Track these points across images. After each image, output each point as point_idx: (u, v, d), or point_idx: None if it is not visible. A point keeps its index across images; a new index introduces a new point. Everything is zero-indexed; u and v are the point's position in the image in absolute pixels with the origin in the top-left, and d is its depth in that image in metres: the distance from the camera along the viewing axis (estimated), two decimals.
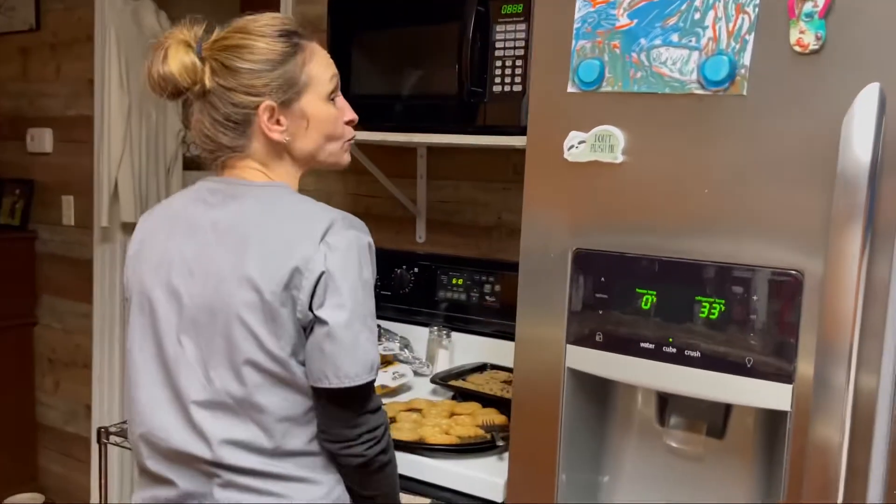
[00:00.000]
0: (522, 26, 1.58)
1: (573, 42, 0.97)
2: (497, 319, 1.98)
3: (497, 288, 1.99)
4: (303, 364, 1.05)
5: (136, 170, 2.78)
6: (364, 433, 1.05)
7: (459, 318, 2.03)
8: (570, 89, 0.98)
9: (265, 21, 1.09)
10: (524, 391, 1.06)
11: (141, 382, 1.11)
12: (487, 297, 2.00)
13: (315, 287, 1.01)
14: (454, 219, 2.15)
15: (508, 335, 1.99)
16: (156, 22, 2.82)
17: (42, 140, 3.01)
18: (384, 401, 1.68)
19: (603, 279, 0.96)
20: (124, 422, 2.04)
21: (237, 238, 1.04)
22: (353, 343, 1.02)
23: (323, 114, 1.13)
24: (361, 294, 1.04)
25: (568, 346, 0.99)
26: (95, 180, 2.83)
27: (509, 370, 1.92)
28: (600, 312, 0.97)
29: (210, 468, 1.05)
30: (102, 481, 2.17)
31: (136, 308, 1.13)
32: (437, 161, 2.16)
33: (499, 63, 1.62)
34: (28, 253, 3.06)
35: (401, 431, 1.48)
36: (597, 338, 0.97)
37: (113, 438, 1.93)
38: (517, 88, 1.60)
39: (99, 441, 1.93)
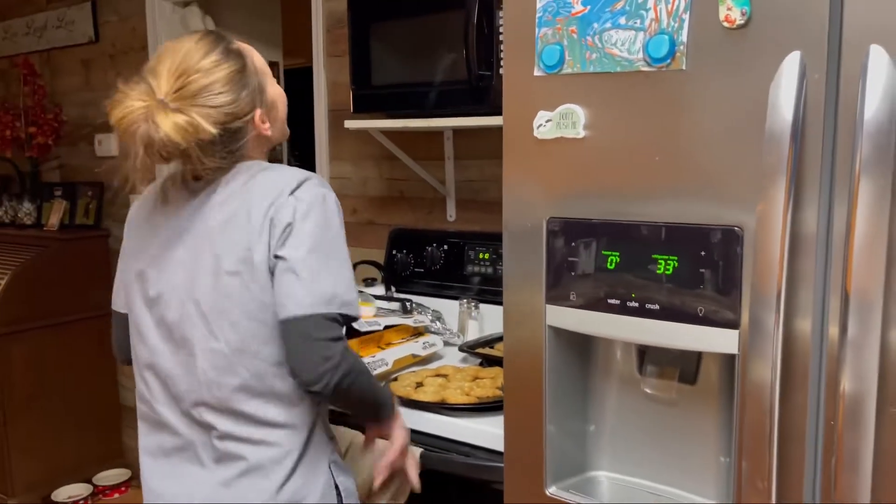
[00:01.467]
0: None
1: (536, 29, 1.06)
2: None
3: None
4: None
5: None
6: (325, 369, 1.13)
7: (488, 291, 2.14)
8: (536, 73, 1.07)
9: (201, 48, 1.18)
10: (514, 350, 1.17)
11: (145, 332, 1.27)
12: None
13: (281, 234, 1.15)
14: (481, 196, 2.26)
15: None
16: (202, 26, 3.01)
17: (108, 144, 3.26)
18: (414, 368, 1.83)
19: (573, 244, 1.06)
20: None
21: (227, 209, 1.19)
22: (310, 276, 1.14)
23: (279, 94, 1.33)
24: (322, 236, 1.17)
25: (547, 305, 1.10)
26: (159, 178, 3.05)
27: None
28: (573, 274, 1.07)
29: (210, 415, 1.20)
30: None
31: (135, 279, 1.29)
32: (463, 142, 2.27)
33: (504, 46, 1.71)
34: (103, 249, 3.33)
35: (425, 394, 1.62)
36: (571, 297, 1.07)
37: None
38: None
39: None
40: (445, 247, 2.24)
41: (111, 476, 3.33)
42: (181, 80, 1.15)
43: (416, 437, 1.56)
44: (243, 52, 1.25)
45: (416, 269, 2.28)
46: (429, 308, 2.13)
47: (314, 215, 1.18)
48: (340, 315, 1.17)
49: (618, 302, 1.03)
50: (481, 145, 2.22)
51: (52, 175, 3.55)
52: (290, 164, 3.66)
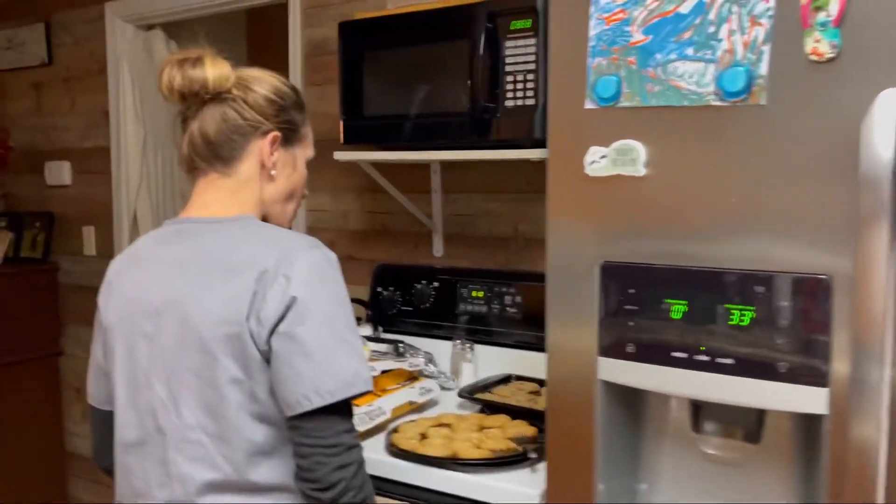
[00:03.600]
0: (532, 41, 1.60)
1: (588, 59, 0.98)
2: (519, 330, 1.99)
3: (518, 298, 2.00)
4: (272, 394, 1.02)
5: (154, 198, 2.83)
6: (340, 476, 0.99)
7: (481, 331, 2.04)
8: (587, 105, 0.99)
9: (283, 77, 1.21)
10: (558, 403, 1.07)
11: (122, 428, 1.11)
12: (508, 308, 2.01)
13: (284, 312, 1.00)
14: (470, 231, 2.17)
15: (531, 345, 2.02)
16: (166, 52, 2.87)
17: (60, 172, 3.06)
18: (413, 417, 1.70)
19: (632, 291, 0.97)
20: None
21: (201, 273, 1.04)
22: (327, 358, 1.00)
23: (302, 169, 1.24)
24: (333, 309, 1.03)
25: (599, 358, 1.01)
26: (115, 210, 2.87)
27: (534, 380, 1.94)
28: (630, 324, 0.98)
29: None
30: None
31: (115, 351, 1.12)
32: (451, 175, 2.18)
33: (510, 78, 1.64)
34: (51, 284, 3.11)
35: (433, 447, 1.50)
36: (628, 349, 0.98)
37: None
38: (529, 102, 1.62)
39: None
40: (436, 284, 2.13)
41: None
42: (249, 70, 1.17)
43: (426, 495, 1.44)
44: (306, 110, 1.24)
45: (403, 308, 2.16)
46: (420, 350, 2.01)
47: (318, 287, 1.03)
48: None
49: (684, 355, 0.94)
50: (471, 178, 2.14)
51: None
52: None
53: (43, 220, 3.10)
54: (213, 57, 1.12)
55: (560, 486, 1.08)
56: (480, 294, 2.06)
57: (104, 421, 1.18)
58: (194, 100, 1.11)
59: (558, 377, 1.06)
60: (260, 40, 3.48)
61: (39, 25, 3.05)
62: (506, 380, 1.95)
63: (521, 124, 1.64)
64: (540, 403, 1.73)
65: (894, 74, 0.80)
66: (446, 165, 2.18)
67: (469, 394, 1.81)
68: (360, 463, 1.03)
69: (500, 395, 1.83)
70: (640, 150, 0.96)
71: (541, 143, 1.64)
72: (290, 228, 1.21)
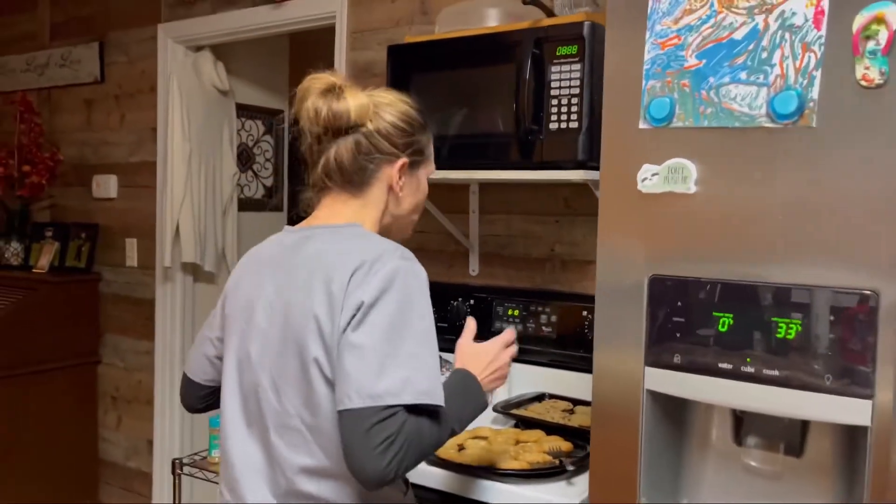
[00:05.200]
0: (577, 66, 1.66)
1: (643, 82, 1.03)
2: (553, 349, 2.02)
3: (553, 318, 2.03)
4: None
5: (195, 212, 2.91)
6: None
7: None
8: (641, 126, 1.04)
9: (407, 98, 1.27)
10: (603, 415, 1.10)
11: (228, 424, 1.19)
12: (544, 328, 2.04)
13: (354, 313, 1.05)
14: (506, 251, 2.22)
15: (565, 364, 2.05)
16: (213, 72, 2.97)
17: (107, 186, 3.16)
18: None
19: (679, 304, 1.01)
20: (196, 453, 2.12)
21: (305, 274, 1.12)
22: (376, 364, 1.02)
23: (424, 188, 1.31)
24: (399, 318, 1.05)
25: (647, 368, 1.04)
26: (158, 223, 2.96)
27: (568, 399, 1.96)
28: (678, 335, 1.01)
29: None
30: None
31: (229, 343, 1.22)
32: (489, 196, 2.23)
33: (555, 102, 1.70)
34: (93, 294, 3.20)
35: (471, 457, 1.53)
36: (675, 360, 1.02)
37: (187, 469, 2.00)
38: (573, 125, 1.67)
39: (173, 472, 2.00)
40: (472, 302, 2.17)
41: None
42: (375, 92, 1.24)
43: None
44: (428, 128, 1.30)
45: (440, 324, 2.19)
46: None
47: (390, 295, 1.06)
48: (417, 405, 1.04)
49: (730, 367, 0.97)
50: (510, 199, 2.19)
51: (42, 215, 3.42)
52: (289, 210, 3.61)
53: (88, 232, 3.20)
54: (351, 88, 1.19)
55: (603, 499, 1.10)
56: (516, 312, 2.10)
57: (191, 385, 1.34)
58: (335, 131, 1.18)
59: (604, 390, 1.10)
60: (302, 63, 3.59)
61: (94, 44, 3.17)
62: (539, 398, 1.98)
63: (565, 147, 1.69)
64: (574, 421, 1.76)
65: None
66: (485, 187, 2.23)
67: (504, 409, 1.84)
68: (398, 461, 1.01)
69: (534, 411, 1.86)
70: (691, 168, 1.00)
71: (582, 165, 1.70)
72: (409, 236, 1.32)
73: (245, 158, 3.32)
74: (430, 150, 1.31)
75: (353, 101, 1.17)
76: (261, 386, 1.14)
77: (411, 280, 1.09)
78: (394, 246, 1.14)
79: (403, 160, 1.22)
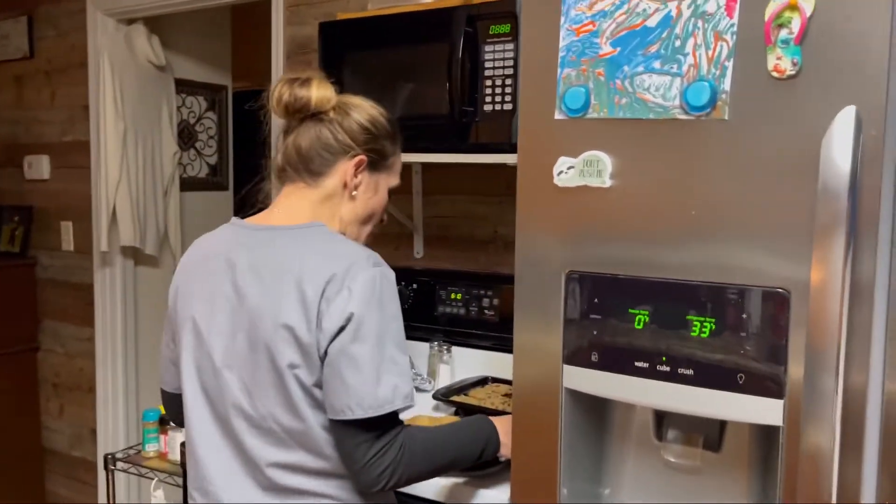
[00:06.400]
0: (510, 46, 1.61)
1: (559, 70, 0.99)
2: (496, 333, 2.00)
3: (496, 301, 2.01)
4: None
5: (133, 193, 2.81)
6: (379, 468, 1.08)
7: (459, 333, 2.05)
8: (557, 116, 1.00)
9: (381, 109, 1.29)
10: (524, 408, 1.08)
11: (194, 425, 1.18)
12: (486, 311, 2.02)
13: (343, 325, 1.06)
14: (451, 233, 2.18)
15: (508, 348, 2.01)
16: (148, 46, 2.85)
17: (40, 166, 3.03)
18: None
19: (596, 300, 0.98)
20: (130, 447, 2.06)
21: (271, 279, 1.11)
22: (373, 374, 1.06)
23: (383, 196, 1.30)
24: (385, 328, 1.08)
25: (564, 366, 1.02)
26: (94, 205, 2.85)
27: (510, 383, 1.95)
28: (595, 333, 0.99)
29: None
30: None
31: (184, 342, 1.20)
32: (432, 177, 2.19)
33: (489, 82, 1.65)
34: (29, 279, 3.09)
35: None
36: (592, 357, 0.99)
37: (120, 465, 1.95)
38: (507, 107, 1.62)
39: (106, 468, 1.95)
40: (414, 285, 2.14)
41: None
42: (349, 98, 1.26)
43: (405, 500, 1.44)
44: (399, 144, 1.31)
45: None
46: None
47: (374, 305, 1.08)
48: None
49: (646, 365, 0.95)
50: (453, 180, 2.14)
51: None
52: (235, 192, 3.51)
53: (21, 215, 3.08)
54: (320, 80, 1.20)
55: (524, 489, 1.09)
56: (458, 296, 2.07)
57: (172, 400, 1.32)
58: (296, 115, 1.20)
59: (525, 382, 1.07)
60: (245, 36, 3.47)
61: (22, 18, 3.02)
62: (482, 382, 1.96)
63: (499, 129, 1.65)
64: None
65: (853, 91, 0.81)
66: (428, 167, 2.18)
67: (444, 396, 1.82)
68: (395, 464, 1.08)
69: (475, 397, 1.84)
70: (606, 161, 0.97)
71: (517, 148, 1.65)
72: (364, 231, 1.30)
73: (187, 136, 3.21)
74: (396, 161, 1.31)
75: (317, 91, 1.18)
76: (228, 388, 1.13)
77: (387, 286, 1.12)
78: (362, 250, 1.15)
79: (361, 157, 1.21)
